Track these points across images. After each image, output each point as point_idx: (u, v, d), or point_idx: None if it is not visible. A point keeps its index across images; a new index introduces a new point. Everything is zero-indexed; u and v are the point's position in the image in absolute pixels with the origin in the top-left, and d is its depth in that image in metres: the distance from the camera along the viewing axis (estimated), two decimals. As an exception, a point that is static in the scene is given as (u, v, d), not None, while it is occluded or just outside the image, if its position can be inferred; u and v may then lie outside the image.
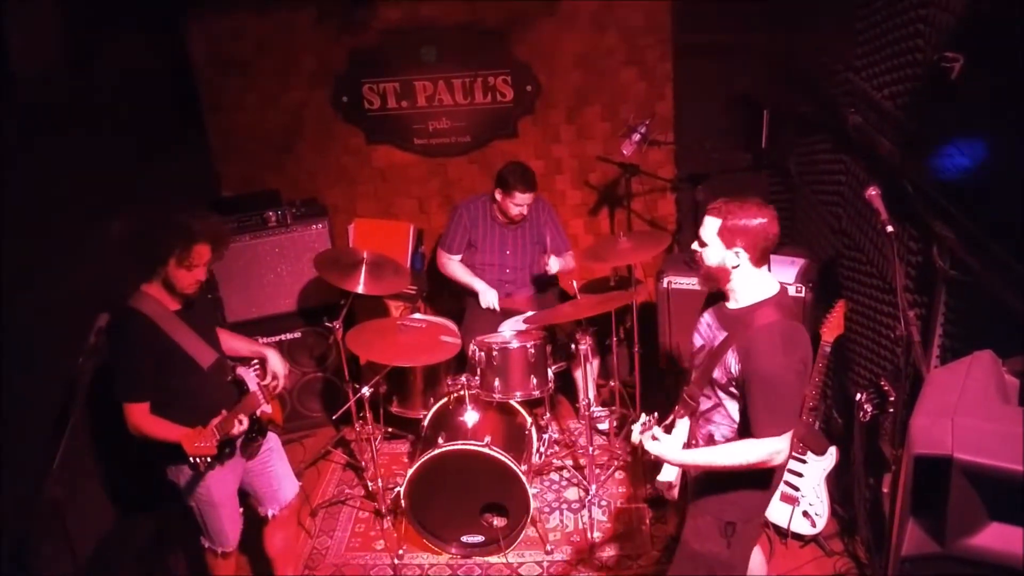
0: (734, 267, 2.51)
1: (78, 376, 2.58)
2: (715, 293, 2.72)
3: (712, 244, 2.53)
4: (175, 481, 3.02)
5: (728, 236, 2.49)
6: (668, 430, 2.71)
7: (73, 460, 3.26)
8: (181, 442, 2.76)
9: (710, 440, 2.68)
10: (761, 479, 2.67)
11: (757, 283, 2.55)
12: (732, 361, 2.52)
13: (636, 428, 2.67)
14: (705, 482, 2.74)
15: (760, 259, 2.52)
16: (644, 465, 4.29)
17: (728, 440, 2.63)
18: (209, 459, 2.81)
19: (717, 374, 2.58)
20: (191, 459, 2.78)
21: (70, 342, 2.66)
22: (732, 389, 2.57)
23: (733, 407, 2.61)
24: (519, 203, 4.34)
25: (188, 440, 2.76)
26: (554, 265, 4.42)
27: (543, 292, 4.67)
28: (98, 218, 3.66)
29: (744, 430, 2.57)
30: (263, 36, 4.92)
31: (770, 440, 2.47)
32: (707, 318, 2.73)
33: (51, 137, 3.44)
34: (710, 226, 2.53)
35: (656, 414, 2.69)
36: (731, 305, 2.61)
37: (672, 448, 2.62)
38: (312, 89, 5.06)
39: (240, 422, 2.97)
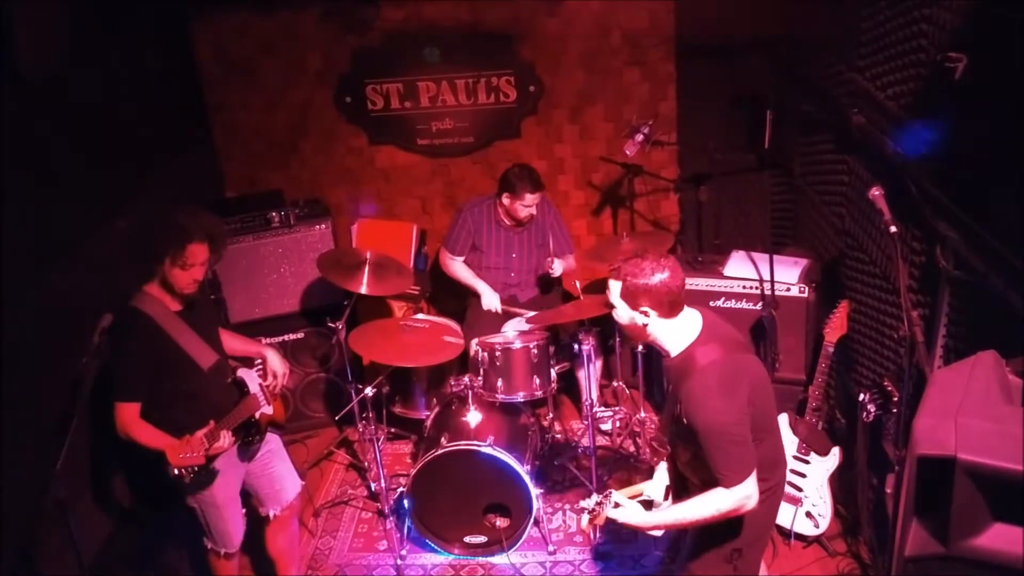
0: (644, 324, 2.46)
1: (82, 376, 2.59)
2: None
3: (619, 306, 2.48)
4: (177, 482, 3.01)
5: (630, 298, 2.44)
6: (650, 475, 2.61)
7: (77, 460, 3.29)
8: (165, 452, 2.73)
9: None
10: (763, 501, 2.51)
11: (676, 331, 2.48)
12: (680, 412, 2.44)
13: (585, 518, 2.59)
14: None
15: (669, 312, 2.44)
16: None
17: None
18: (195, 468, 2.77)
19: (676, 427, 2.50)
20: (175, 470, 2.73)
21: (74, 343, 2.67)
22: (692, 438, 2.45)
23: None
24: (528, 204, 4.34)
25: (173, 451, 2.73)
26: (558, 268, 4.44)
27: (546, 292, 4.67)
28: (103, 218, 3.69)
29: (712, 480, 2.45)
30: (267, 36, 4.94)
31: (736, 488, 2.36)
32: None
33: (57, 137, 3.45)
34: (614, 289, 2.48)
35: (610, 492, 2.61)
36: (668, 357, 2.53)
37: (637, 513, 2.56)
38: (316, 89, 5.07)
39: (225, 436, 2.91)
